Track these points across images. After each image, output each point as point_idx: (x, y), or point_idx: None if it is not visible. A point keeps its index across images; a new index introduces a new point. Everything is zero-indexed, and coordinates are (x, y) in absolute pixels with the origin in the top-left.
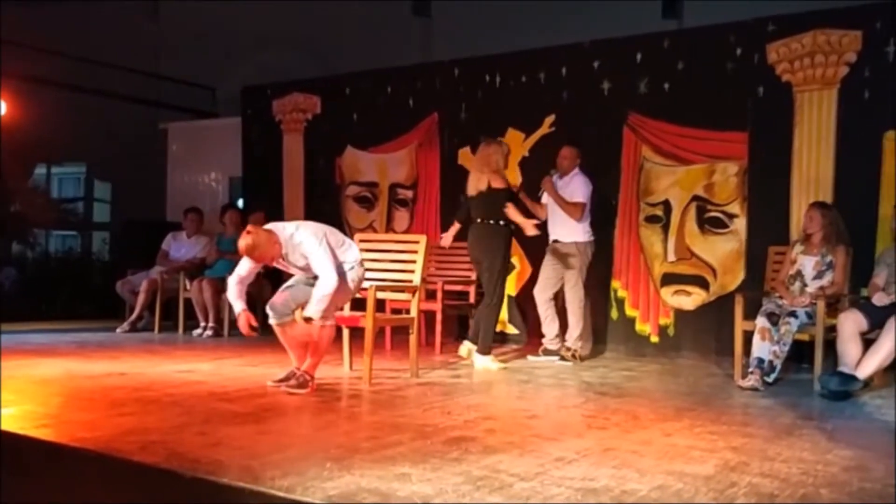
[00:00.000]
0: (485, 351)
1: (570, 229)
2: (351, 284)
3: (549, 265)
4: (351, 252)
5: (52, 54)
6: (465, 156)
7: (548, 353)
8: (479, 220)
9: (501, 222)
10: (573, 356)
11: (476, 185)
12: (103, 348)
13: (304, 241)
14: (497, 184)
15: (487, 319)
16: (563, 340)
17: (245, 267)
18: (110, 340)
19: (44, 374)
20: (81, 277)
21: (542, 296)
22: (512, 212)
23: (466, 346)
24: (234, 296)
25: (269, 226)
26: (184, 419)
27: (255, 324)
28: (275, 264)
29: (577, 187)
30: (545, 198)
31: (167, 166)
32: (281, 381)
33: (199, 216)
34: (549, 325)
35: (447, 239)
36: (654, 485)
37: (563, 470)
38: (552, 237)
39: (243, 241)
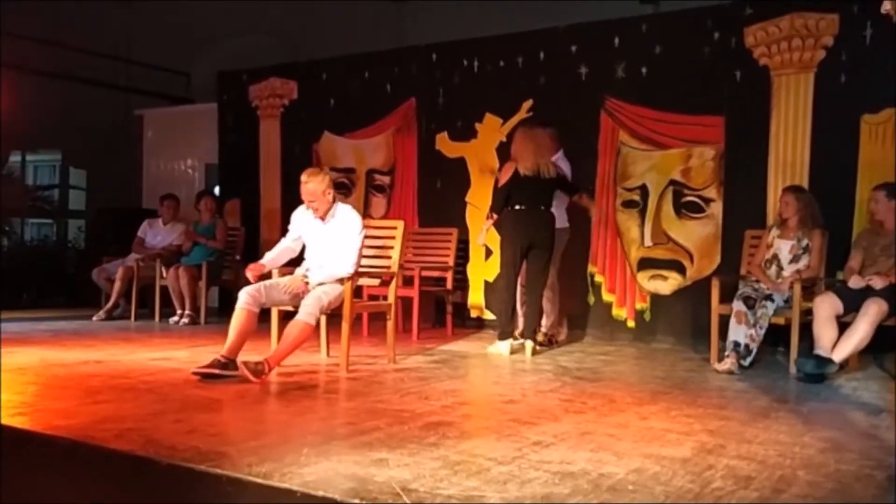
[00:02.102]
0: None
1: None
2: (342, 292)
3: None
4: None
5: (24, 40)
6: (442, 141)
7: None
8: (543, 207)
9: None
10: (550, 341)
11: (537, 167)
12: (79, 336)
13: (353, 218)
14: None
15: (540, 305)
16: (539, 326)
17: (290, 238)
18: (86, 328)
19: (19, 363)
20: (57, 265)
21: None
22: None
23: (530, 345)
24: (270, 253)
25: None
26: (160, 406)
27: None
28: (312, 212)
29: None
30: None
31: (143, 153)
32: (207, 366)
33: (175, 203)
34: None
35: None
36: (631, 468)
37: (541, 454)
38: None
39: (309, 194)
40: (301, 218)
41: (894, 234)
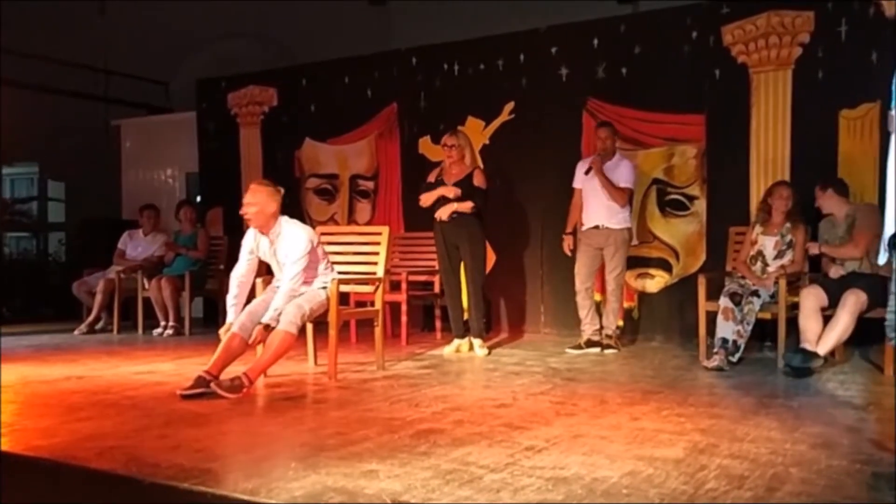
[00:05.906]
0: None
1: (621, 215)
2: (324, 299)
3: (591, 252)
4: (331, 272)
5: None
6: (425, 145)
7: (591, 344)
8: None
9: None
10: (616, 343)
11: None
12: (60, 351)
13: (297, 238)
14: None
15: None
16: (602, 328)
17: (243, 265)
18: (68, 343)
19: None
20: (38, 279)
21: (585, 285)
22: None
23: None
24: (232, 299)
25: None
26: (143, 422)
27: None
28: (263, 235)
29: (623, 171)
30: (579, 182)
31: (121, 163)
32: (192, 387)
33: (156, 213)
34: (594, 316)
35: None
36: (624, 471)
37: (533, 459)
38: (594, 223)
39: (250, 196)
40: (251, 241)
41: (845, 219)
